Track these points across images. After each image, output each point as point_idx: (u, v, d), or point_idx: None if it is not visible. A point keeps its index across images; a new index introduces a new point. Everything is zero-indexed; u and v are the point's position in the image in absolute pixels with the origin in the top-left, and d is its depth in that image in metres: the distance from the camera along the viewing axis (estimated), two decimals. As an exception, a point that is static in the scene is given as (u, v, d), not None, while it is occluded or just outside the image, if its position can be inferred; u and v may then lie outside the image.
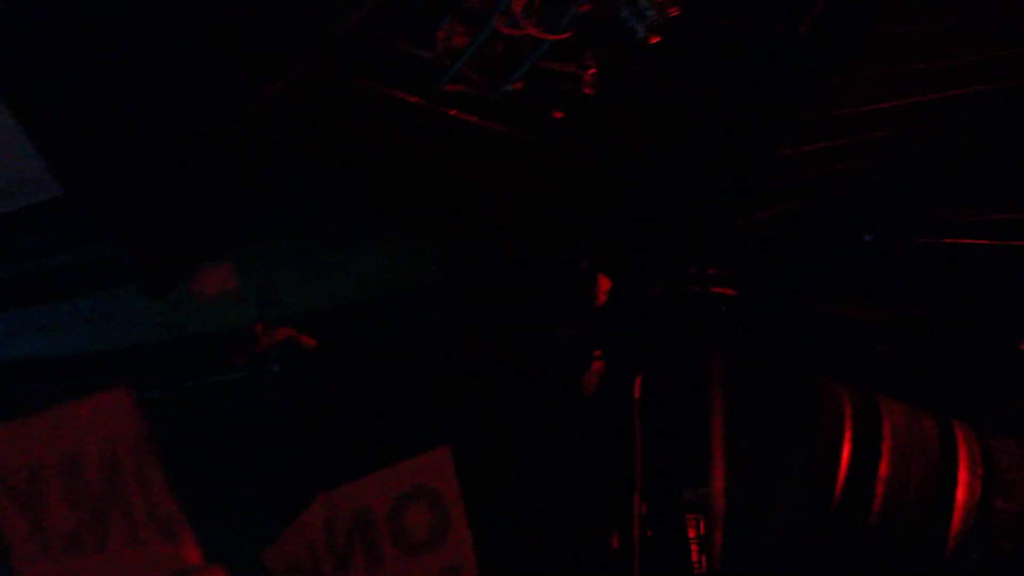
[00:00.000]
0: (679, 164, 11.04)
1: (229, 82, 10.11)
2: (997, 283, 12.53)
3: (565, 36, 9.32)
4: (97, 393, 8.09)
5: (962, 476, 6.16)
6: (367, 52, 10.05)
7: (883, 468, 6.06)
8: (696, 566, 8.96)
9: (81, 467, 7.51)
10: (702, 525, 9.55)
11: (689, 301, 11.67)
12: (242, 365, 12.73)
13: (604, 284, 11.52)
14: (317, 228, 12.01)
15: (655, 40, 9.08)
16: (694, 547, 9.09)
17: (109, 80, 10.24)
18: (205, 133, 10.37)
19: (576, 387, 10.67)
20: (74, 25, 9.73)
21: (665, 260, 11.67)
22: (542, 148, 10.49)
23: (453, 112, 10.16)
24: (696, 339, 11.41)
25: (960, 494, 6.12)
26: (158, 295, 11.89)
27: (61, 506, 7.51)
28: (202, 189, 10.82)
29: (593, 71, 9.59)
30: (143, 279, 11.80)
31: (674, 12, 9.00)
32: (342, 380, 12.83)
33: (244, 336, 12.49)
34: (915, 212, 12.08)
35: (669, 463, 9.67)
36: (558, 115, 9.88)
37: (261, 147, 10.54)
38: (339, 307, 13.21)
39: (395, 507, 8.49)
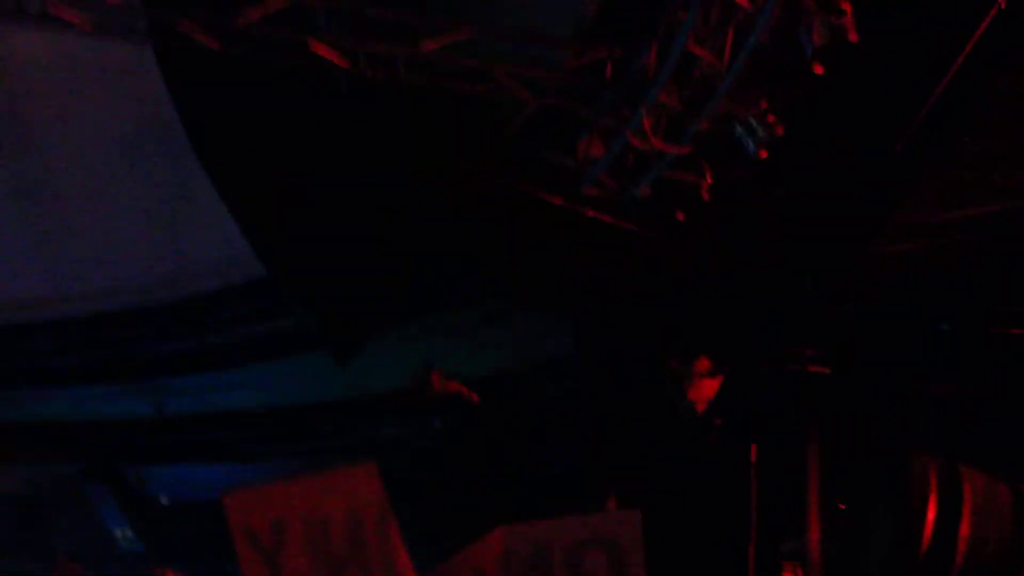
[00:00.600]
0: (783, 261, 10.75)
1: (406, 183, 10.12)
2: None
3: (687, 150, 9.18)
4: (344, 467, 7.89)
5: (1036, 537, 5.74)
6: (521, 160, 10.01)
7: (964, 528, 5.71)
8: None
9: (327, 529, 7.31)
10: (799, 571, 9.23)
11: (792, 379, 11.37)
12: (409, 417, 12.65)
13: (703, 365, 11.23)
14: (474, 306, 11.95)
15: (764, 155, 8.88)
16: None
17: (309, 178, 10.32)
18: (387, 225, 10.38)
19: (698, 452, 10.35)
20: (279, 118, 9.84)
21: (772, 344, 11.37)
22: (665, 245, 10.29)
23: (590, 212, 10.05)
24: (799, 412, 11.12)
25: (1034, 553, 5.69)
26: (342, 361, 11.89)
27: (304, 561, 7.32)
28: (382, 272, 10.83)
29: (710, 180, 9.39)
30: (330, 347, 11.82)
31: (780, 131, 8.81)
32: (497, 435, 12.67)
33: (421, 381, 12.29)
34: (986, 306, 11.67)
35: (776, 519, 9.34)
36: (680, 217, 9.67)
37: (430, 237, 10.52)
38: (491, 373, 13.08)
39: (574, 551, 8.02)
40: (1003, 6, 8.20)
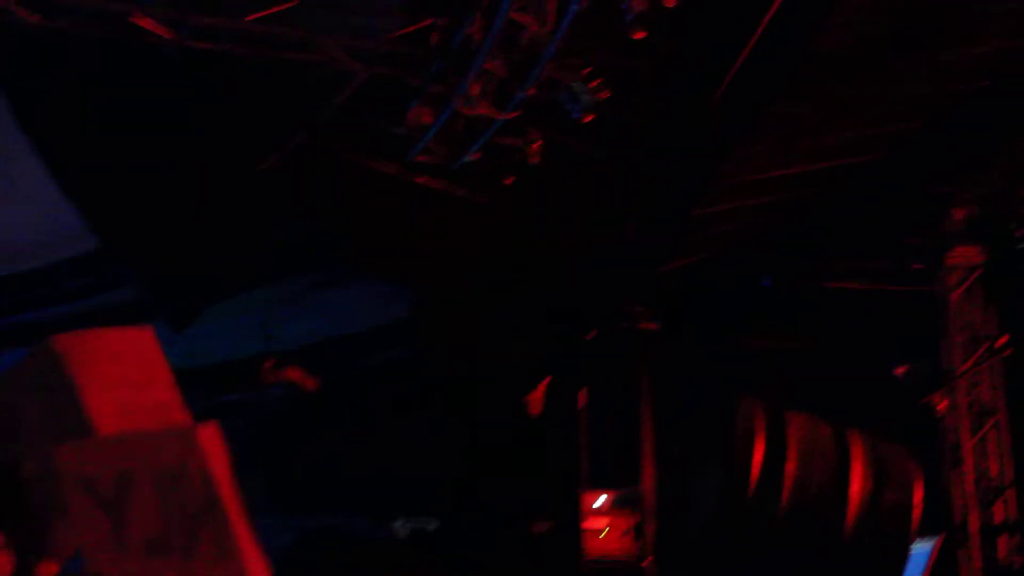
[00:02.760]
0: (611, 223, 10.89)
1: (236, 152, 9.96)
2: (870, 317, 12.52)
3: (514, 115, 9.22)
4: (193, 426, 7.71)
5: (856, 473, 5.98)
6: (350, 129, 9.93)
7: (790, 467, 5.91)
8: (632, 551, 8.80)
9: (177, 484, 7.13)
10: (637, 517, 9.40)
11: (623, 336, 11.54)
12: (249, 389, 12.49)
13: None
14: (310, 273, 11.84)
15: (588, 119, 8.97)
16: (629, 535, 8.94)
17: (138, 151, 10.08)
18: (216, 194, 10.21)
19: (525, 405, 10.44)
20: (106, 95, 9.58)
21: (603, 302, 11.53)
22: (495, 208, 10.33)
23: (422, 179, 10.03)
24: (630, 367, 11.31)
25: (855, 488, 5.92)
26: (179, 329, 11.67)
27: (153, 511, 7.14)
28: (214, 240, 10.65)
29: (538, 145, 9.44)
30: (167, 316, 11.60)
31: (604, 95, 8.90)
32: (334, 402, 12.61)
33: (253, 371, 12.16)
34: (804, 262, 12.04)
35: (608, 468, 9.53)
36: (508, 181, 9.71)
37: (263, 206, 10.39)
38: (329, 340, 12.98)
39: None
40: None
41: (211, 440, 6.99)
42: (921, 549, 8.38)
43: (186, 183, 10.08)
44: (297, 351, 12.58)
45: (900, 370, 10.20)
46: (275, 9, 8.63)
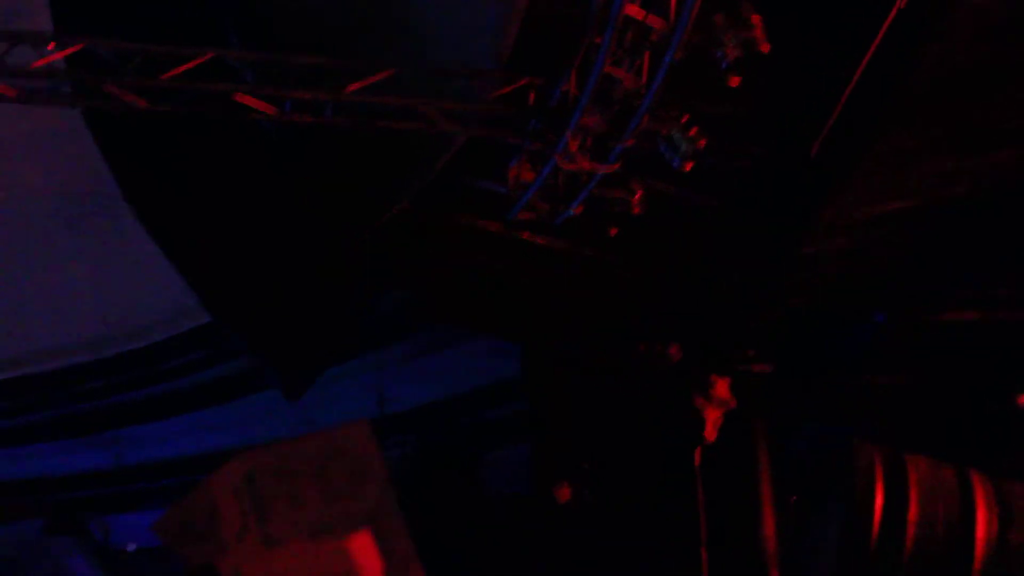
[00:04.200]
0: (723, 266, 10.84)
1: (343, 221, 10.11)
2: (988, 347, 12.24)
3: (614, 167, 9.24)
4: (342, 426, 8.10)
5: (980, 515, 5.83)
6: (455, 191, 10.04)
7: (912, 511, 5.76)
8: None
9: (330, 476, 7.50)
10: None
11: (737, 379, 11.43)
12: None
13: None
14: (421, 335, 11.95)
15: (689, 167, 8.95)
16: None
17: (246, 223, 10.29)
18: (324, 263, 10.37)
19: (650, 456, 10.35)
20: (212, 170, 9.82)
21: (715, 347, 11.45)
22: (601, 261, 10.34)
23: (525, 235, 10.08)
24: (746, 411, 11.19)
25: (980, 531, 5.79)
26: (294, 398, 11.84)
27: (314, 499, 7.49)
28: (324, 309, 10.81)
29: (640, 195, 9.44)
30: (280, 386, 11.78)
31: (703, 143, 8.87)
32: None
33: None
34: (919, 294, 11.81)
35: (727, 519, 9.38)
36: (613, 232, 9.71)
37: (371, 273, 10.52)
38: (443, 400, 13.08)
39: (318, 463, 8.29)
40: (903, 5, 8.31)
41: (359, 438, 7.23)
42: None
43: (294, 255, 10.27)
44: (411, 412, 12.69)
45: (1021, 399, 9.95)
46: (374, 79, 8.78)
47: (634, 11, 8.05)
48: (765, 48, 7.91)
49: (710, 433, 9.13)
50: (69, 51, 8.40)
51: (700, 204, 9.93)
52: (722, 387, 9.71)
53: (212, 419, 14.18)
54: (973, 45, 8.50)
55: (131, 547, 16.98)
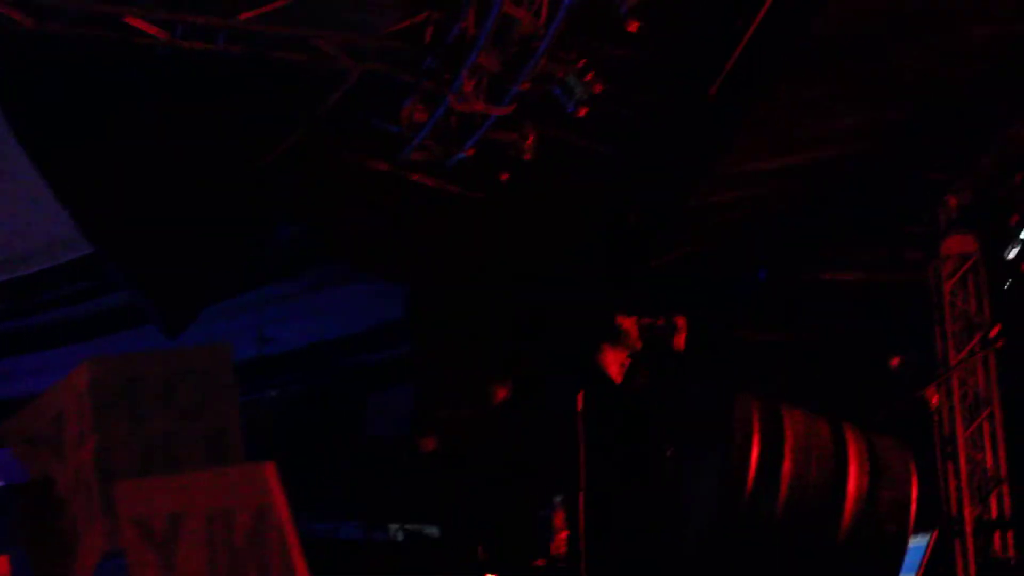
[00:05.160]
0: (605, 217, 10.81)
1: (229, 154, 9.88)
2: (866, 308, 12.45)
3: (508, 110, 9.14)
4: (248, 464, 7.71)
5: (852, 470, 5.88)
6: (343, 129, 9.85)
7: (786, 466, 5.77)
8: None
9: (230, 524, 7.03)
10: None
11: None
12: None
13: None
14: (304, 275, 11.77)
15: (583, 112, 8.89)
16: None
17: (132, 153, 10.01)
18: (209, 197, 10.13)
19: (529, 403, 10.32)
20: (97, 96, 9.51)
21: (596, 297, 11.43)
22: (492, 205, 10.24)
23: (416, 176, 9.95)
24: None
25: (851, 486, 5.83)
26: (173, 335, 11.60)
27: (201, 553, 7.04)
28: (208, 244, 10.57)
29: (532, 140, 9.35)
30: (161, 322, 11.53)
31: (598, 89, 8.81)
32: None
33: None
34: (799, 253, 11.94)
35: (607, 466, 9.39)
36: (504, 177, 9.62)
37: (257, 208, 10.32)
38: (322, 341, 12.92)
39: (167, 380, 8.17)
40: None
41: (263, 476, 6.96)
42: (916, 544, 8.31)
43: (178, 186, 10.01)
44: (292, 353, 12.52)
45: (894, 361, 10.10)
46: (269, 7, 8.56)
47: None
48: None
49: (616, 375, 9.10)
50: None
51: (592, 151, 9.87)
52: (630, 327, 9.70)
53: (90, 353, 13.86)
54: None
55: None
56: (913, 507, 5.98)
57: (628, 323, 9.76)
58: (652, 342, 9.72)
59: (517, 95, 9.05)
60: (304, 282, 11.97)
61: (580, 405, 8.12)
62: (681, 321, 9.69)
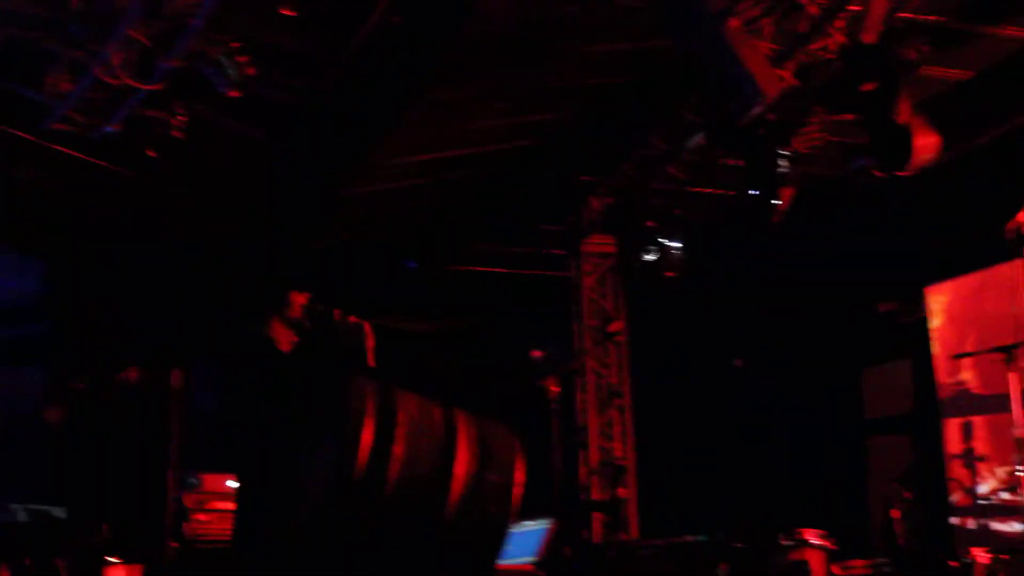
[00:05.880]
0: (259, 201, 10.76)
1: None
2: (513, 301, 12.88)
3: (157, 87, 8.94)
4: None
5: (460, 454, 6.09)
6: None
7: (397, 448, 5.91)
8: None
9: None
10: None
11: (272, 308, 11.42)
12: None
13: None
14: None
15: (235, 94, 8.80)
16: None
17: None
18: None
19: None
20: None
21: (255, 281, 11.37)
22: (139, 182, 10.01)
23: (58, 147, 9.61)
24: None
25: (459, 468, 6.05)
26: None
27: None
28: None
29: (182, 118, 9.18)
30: None
31: (251, 71, 8.75)
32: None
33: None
34: (452, 244, 12.23)
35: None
36: (151, 154, 9.40)
37: None
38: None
39: None
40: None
41: None
42: (536, 528, 8.69)
43: None
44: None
45: (536, 354, 10.49)
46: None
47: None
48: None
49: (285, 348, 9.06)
50: None
51: (244, 134, 9.81)
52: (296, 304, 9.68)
53: None
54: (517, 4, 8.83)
55: None
56: (518, 490, 6.23)
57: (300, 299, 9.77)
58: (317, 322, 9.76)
59: (168, 72, 8.86)
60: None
61: (176, 382, 8.05)
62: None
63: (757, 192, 8.91)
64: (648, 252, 11.10)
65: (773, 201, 8.91)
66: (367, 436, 5.92)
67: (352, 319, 8.63)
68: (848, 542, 8.13)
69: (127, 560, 8.53)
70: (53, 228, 10.33)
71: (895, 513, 8.26)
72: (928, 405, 10.98)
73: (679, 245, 11.01)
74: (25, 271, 11.03)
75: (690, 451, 12.05)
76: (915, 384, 11.42)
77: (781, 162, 9.05)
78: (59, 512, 8.76)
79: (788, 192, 9.05)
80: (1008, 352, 7.87)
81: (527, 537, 8.65)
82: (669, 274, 11.06)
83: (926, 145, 8.45)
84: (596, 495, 11.70)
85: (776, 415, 12.00)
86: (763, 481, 11.24)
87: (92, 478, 8.78)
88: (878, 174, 8.88)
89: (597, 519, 11.60)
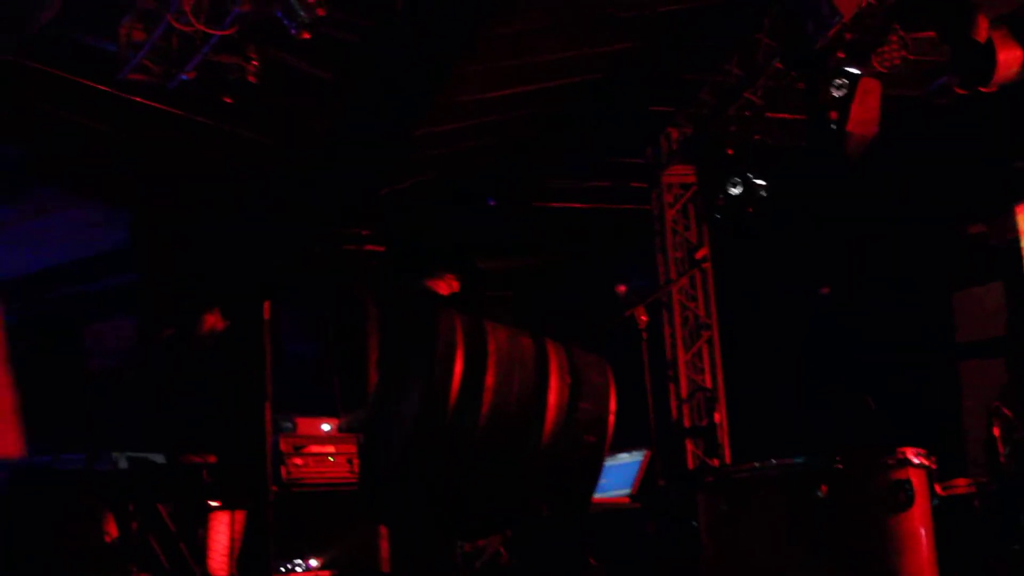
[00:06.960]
0: (336, 143, 10.71)
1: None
2: (596, 236, 12.76)
3: (230, 32, 8.89)
4: None
5: (553, 383, 6.01)
6: (60, 47, 9.43)
7: (489, 378, 5.85)
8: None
9: None
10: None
11: (349, 258, 11.45)
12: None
13: None
14: (16, 200, 11.27)
15: (305, 36, 8.73)
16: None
17: None
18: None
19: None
20: None
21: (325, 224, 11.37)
22: (216, 130, 10.00)
23: (137, 98, 9.62)
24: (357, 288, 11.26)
25: (552, 397, 5.98)
26: None
27: None
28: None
29: (256, 63, 9.13)
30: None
31: (322, 12, 8.67)
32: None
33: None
34: (527, 181, 12.13)
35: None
36: (228, 100, 9.38)
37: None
38: (41, 269, 12.43)
39: None
40: None
41: None
42: (631, 460, 8.62)
43: None
44: (9, 282, 11.98)
45: (621, 288, 10.37)
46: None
47: None
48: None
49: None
50: None
51: (316, 76, 9.75)
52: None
53: None
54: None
55: None
56: (611, 419, 6.15)
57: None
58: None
59: (239, 16, 8.81)
60: (25, 207, 11.46)
61: (267, 315, 8.04)
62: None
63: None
64: (733, 186, 10.89)
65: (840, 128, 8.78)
66: (458, 367, 5.87)
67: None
68: (944, 465, 7.94)
69: (229, 505, 8.59)
70: (136, 179, 10.37)
71: (996, 431, 8.07)
72: (1021, 327, 10.77)
73: (763, 182, 10.78)
74: (115, 222, 11.09)
75: (779, 379, 11.92)
76: (1008, 306, 11.20)
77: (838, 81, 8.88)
78: (158, 458, 8.83)
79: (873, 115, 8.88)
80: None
81: (621, 470, 8.57)
82: (751, 210, 10.87)
83: (1010, 59, 8.21)
84: (688, 425, 11.64)
85: (865, 342, 11.81)
86: (856, 407, 11.08)
87: (189, 425, 8.84)
88: (961, 91, 8.66)
89: (689, 450, 11.56)
